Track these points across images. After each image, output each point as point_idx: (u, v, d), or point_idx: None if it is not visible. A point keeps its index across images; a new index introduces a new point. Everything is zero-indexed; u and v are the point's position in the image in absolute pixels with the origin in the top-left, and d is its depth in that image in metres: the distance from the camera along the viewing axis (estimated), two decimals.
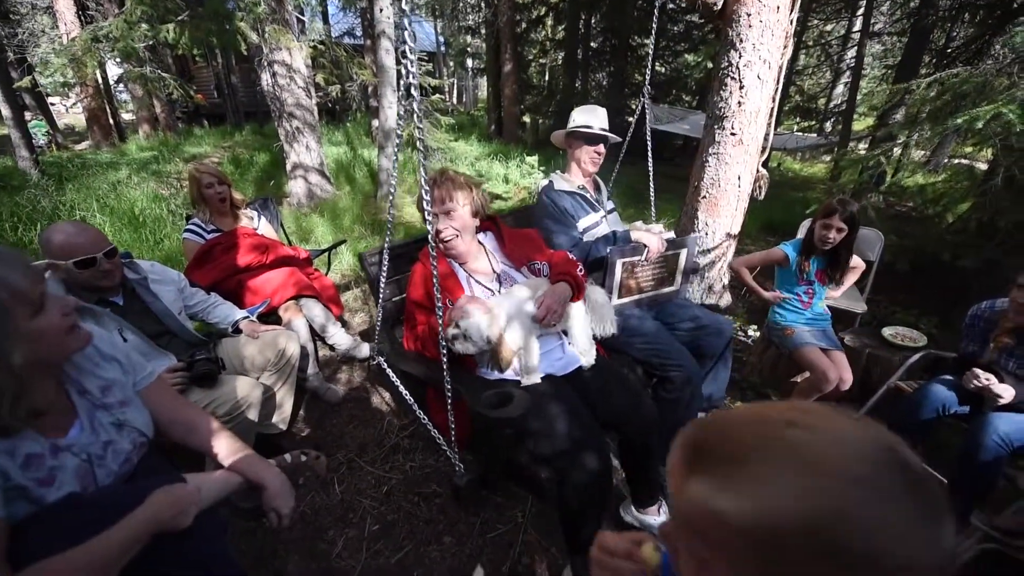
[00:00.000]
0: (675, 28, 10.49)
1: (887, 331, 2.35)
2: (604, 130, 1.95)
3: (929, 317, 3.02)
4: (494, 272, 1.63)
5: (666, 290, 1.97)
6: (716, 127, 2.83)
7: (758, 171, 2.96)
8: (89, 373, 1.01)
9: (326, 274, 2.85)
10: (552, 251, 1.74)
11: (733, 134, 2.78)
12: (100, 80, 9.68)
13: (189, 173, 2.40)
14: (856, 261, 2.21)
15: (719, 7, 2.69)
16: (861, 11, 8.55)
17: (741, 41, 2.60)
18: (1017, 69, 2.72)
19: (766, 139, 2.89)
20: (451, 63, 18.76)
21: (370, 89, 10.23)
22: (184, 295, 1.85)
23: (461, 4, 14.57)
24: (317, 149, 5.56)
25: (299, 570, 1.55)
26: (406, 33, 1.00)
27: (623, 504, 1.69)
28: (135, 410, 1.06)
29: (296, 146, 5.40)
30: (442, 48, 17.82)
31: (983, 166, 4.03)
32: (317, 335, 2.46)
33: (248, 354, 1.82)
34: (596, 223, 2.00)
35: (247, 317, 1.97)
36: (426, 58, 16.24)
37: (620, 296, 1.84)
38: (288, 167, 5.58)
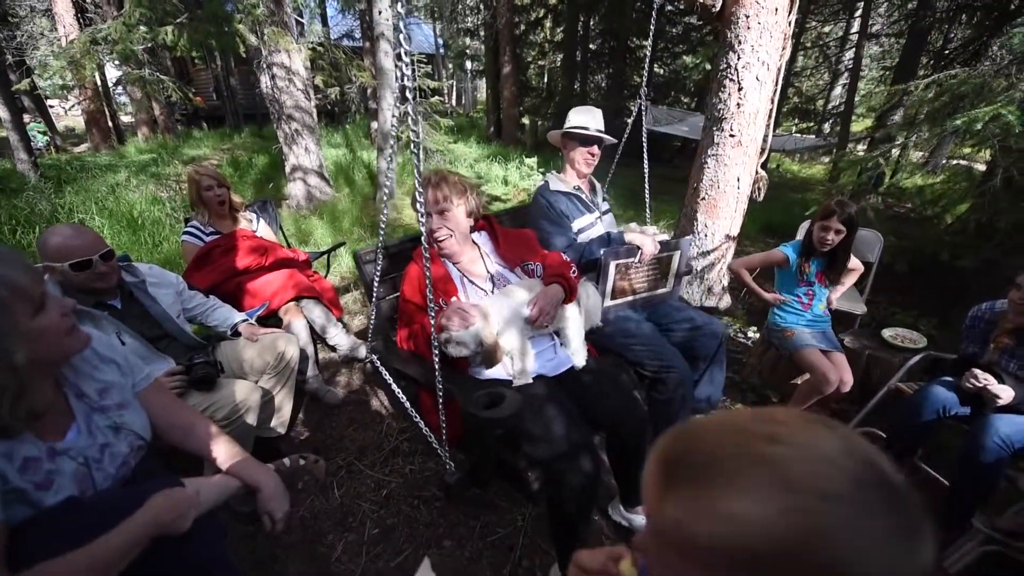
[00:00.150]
0: (673, 30, 10.51)
1: (887, 332, 2.35)
2: (599, 131, 1.95)
3: (928, 318, 3.02)
4: (488, 272, 1.64)
5: (659, 292, 1.98)
6: (715, 129, 2.84)
7: (757, 172, 2.96)
8: (87, 376, 1.01)
9: (325, 276, 2.84)
10: (546, 252, 1.75)
11: (732, 136, 2.79)
12: (99, 83, 9.67)
13: (188, 175, 2.40)
14: (854, 263, 2.21)
15: (717, 9, 2.70)
16: (859, 13, 8.59)
17: (740, 43, 2.61)
18: (1015, 70, 2.73)
19: (765, 140, 2.90)
20: (450, 65, 18.79)
21: (369, 91, 10.25)
22: (182, 298, 1.84)
23: (460, 6, 14.60)
24: (316, 151, 5.56)
25: (298, 574, 1.54)
26: (401, 36, 1.00)
27: (611, 503, 1.71)
28: (133, 413, 1.05)
29: (295, 148, 5.39)
30: (441, 50, 17.84)
31: (981, 167, 4.04)
32: (318, 336, 2.46)
33: (247, 357, 1.81)
34: (591, 224, 2.01)
35: (246, 320, 1.96)
36: (425, 60, 16.28)
37: (613, 297, 1.85)
38: (287, 169, 5.57)
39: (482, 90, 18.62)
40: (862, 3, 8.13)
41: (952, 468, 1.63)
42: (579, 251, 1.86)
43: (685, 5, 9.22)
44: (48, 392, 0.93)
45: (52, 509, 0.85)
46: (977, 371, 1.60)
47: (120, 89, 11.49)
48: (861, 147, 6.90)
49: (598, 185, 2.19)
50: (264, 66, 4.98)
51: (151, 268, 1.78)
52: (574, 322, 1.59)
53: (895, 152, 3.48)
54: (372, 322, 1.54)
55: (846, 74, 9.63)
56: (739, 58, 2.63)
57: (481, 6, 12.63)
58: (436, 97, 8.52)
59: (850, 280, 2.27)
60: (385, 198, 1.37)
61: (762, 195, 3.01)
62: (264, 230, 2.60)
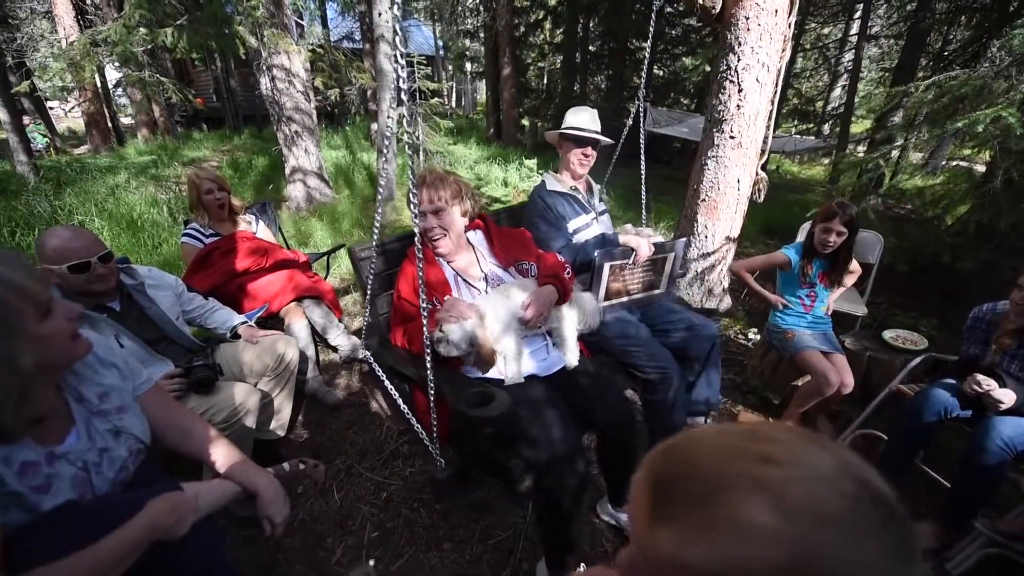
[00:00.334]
0: (673, 32, 10.53)
1: (888, 334, 2.35)
2: (594, 132, 1.95)
3: (929, 319, 3.02)
4: (482, 272, 1.64)
5: (653, 293, 1.98)
6: (715, 130, 2.84)
7: (757, 174, 2.96)
8: (87, 379, 1.00)
9: (325, 278, 2.84)
10: (541, 252, 1.75)
11: (732, 137, 2.78)
12: (99, 84, 9.67)
13: (189, 178, 2.40)
14: (853, 265, 2.20)
15: (717, 11, 2.70)
16: (858, 14, 8.60)
17: (739, 44, 2.61)
18: (1015, 72, 2.73)
19: (765, 142, 2.90)
20: (450, 67, 18.81)
21: (369, 93, 10.25)
22: (182, 300, 1.84)
23: (460, 8, 14.63)
24: (316, 153, 5.56)
25: None
26: (397, 39, 1.01)
27: (600, 501, 1.72)
28: (133, 417, 1.05)
29: (295, 150, 5.39)
30: (441, 52, 17.87)
31: (981, 168, 4.04)
32: (319, 336, 2.46)
33: (246, 360, 1.81)
34: (587, 224, 2.01)
35: (245, 322, 1.96)
36: (425, 62, 16.29)
37: (607, 298, 1.85)
38: (287, 171, 5.57)
39: (482, 92, 18.65)
40: (861, 4, 8.15)
41: (953, 470, 1.62)
42: (575, 251, 1.87)
43: (685, 7, 9.26)
44: (50, 396, 0.93)
45: (50, 514, 0.85)
46: (979, 376, 1.60)
47: (120, 91, 11.49)
48: (861, 148, 6.91)
49: (595, 186, 2.19)
50: (264, 68, 4.98)
51: (150, 270, 1.77)
52: (568, 322, 1.60)
53: (895, 153, 3.48)
54: (366, 319, 1.54)
55: (845, 75, 9.64)
56: (739, 60, 2.63)
57: (481, 8, 12.65)
58: (436, 99, 8.53)
59: (849, 281, 2.27)
60: (380, 197, 1.37)
61: (762, 197, 3.01)
62: (263, 232, 2.60)
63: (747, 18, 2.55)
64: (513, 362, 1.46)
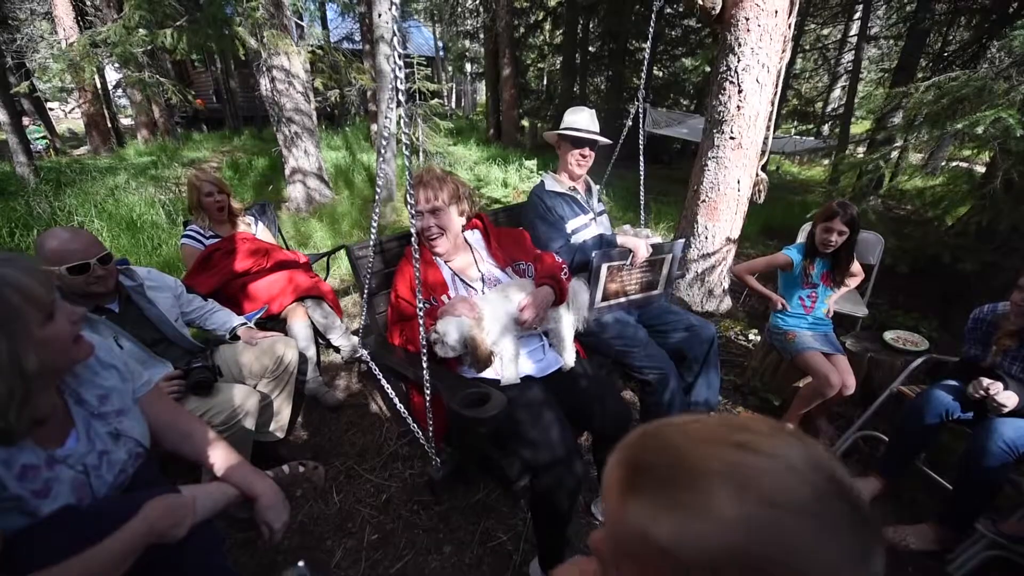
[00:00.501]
0: (673, 33, 10.54)
1: (888, 335, 2.34)
2: (592, 132, 1.94)
3: (929, 320, 3.01)
4: (480, 272, 1.64)
5: (651, 294, 1.98)
6: (715, 131, 2.84)
7: (757, 175, 2.96)
8: (88, 381, 1.00)
9: (324, 279, 2.84)
10: (539, 252, 1.75)
11: (732, 138, 2.78)
12: (99, 85, 9.68)
13: (189, 180, 2.39)
14: (856, 269, 2.20)
15: (717, 12, 2.70)
16: (858, 15, 8.60)
17: (740, 45, 2.61)
18: (1015, 73, 2.73)
19: (765, 143, 2.90)
20: (450, 67, 18.82)
21: (369, 94, 10.26)
22: (181, 301, 1.83)
23: (460, 9, 14.64)
24: (316, 154, 5.56)
25: None
26: (395, 40, 1.01)
27: (595, 501, 1.75)
28: (132, 420, 1.04)
29: (295, 151, 5.40)
30: (441, 53, 17.88)
31: (981, 169, 4.04)
32: (321, 336, 2.46)
33: (245, 361, 1.80)
34: (585, 225, 2.00)
35: (245, 323, 1.95)
36: (425, 63, 16.30)
37: (604, 299, 1.85)
38: (287, 172, 5.57)
39: (482, 92, 18.67)
40: (861, 5, 8.15)
41: (954, 472, 1.62)
42: (573, 252, 1.87)
43: (685, 7, 9.26)
44: (51, 399, 0.93)
45: (49, 517, 0.85)
46: (983, 379, 1.59)
47: (120, 92, 11.51)
48: (861, 149, 6.91)
49: (594, 186, 2.19)
50: (264, 69, 4.98)
51: (149, 272, 1.77)
52: (565, 323, 1.60)
53: (895, 154, 3.48)
54: (363, 317, 1.54)
55: (845, 76, 9.63)
56: (739, 60, 2.63)
57: (481, 9, 12.66)
58: (436, 100, 8.54)
59: (852, 283, 2.27)
60: (378, 197, 1.37)
61: (762, 197, 3.01)
62: (263, 233, 2.60)
63: (747, 19, 2.55)
64: (510, 363, 1.46)
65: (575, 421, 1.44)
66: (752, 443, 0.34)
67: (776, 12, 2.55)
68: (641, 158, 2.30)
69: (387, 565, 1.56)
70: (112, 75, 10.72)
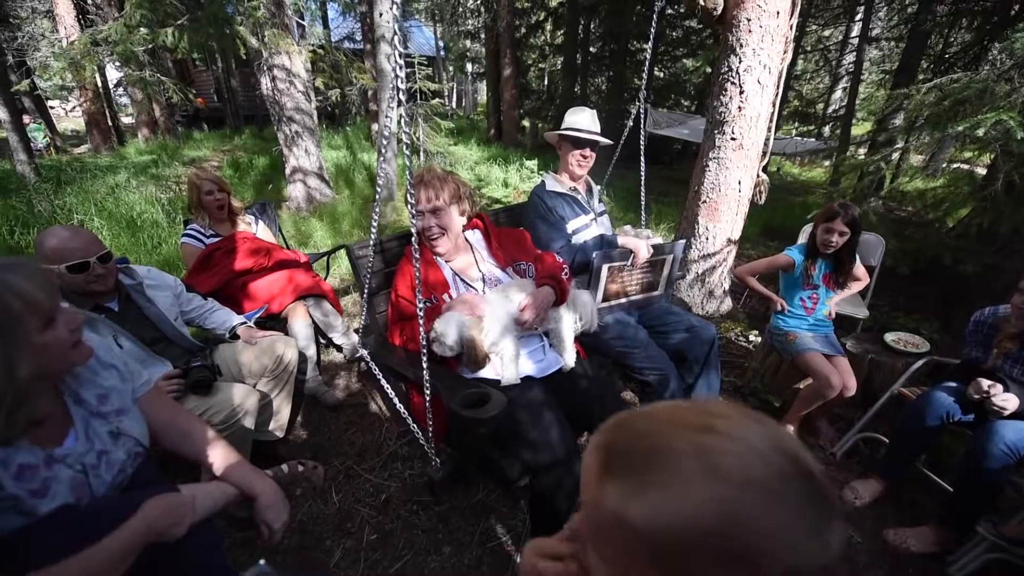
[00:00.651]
0: (674, 33, 10.53)
1: (889, 336, 2.34)
2: (592, 133, 1.94)
3: (930, 322, 3.01)
4: (480, 272, 1.64)
5: (652, 295, 1.98)
6: (716, 132, 2.83)
7: (758, 176, 2.96)
8: (87, 381, 1.00)
9: (325, 279, 2.83)
10: (539, 252, 1.75)
11: (733, 139, 2.78)
12: (99, 84, 9.68)
13: (189, 179, 2.39)
14: (861, 272, 2.19)
15: (719, 12, 2.70)
16: (859, 16, 8.59)
17: (741, 46, 2.60)
18: (1017, 75, 2.73)
19: (766, 144, 2.89)
20: (451, 67, 18.83)
21: (370, 93, 10.26)
22: (180, 300, 1.83)
23: (461, 9, 14.64)
24: (316, 153, 5.55)
25: None
26: (396, 39, 1.00)
27: None
28: (132, 419, 1.04)
29: (295, 150, 5.39)
30: (442, 53, 17.88)
31: (982, 170, 4.04)
32: (322, 335, 2.45)
33: (245, 360, 1.80)
34: (586, 225, 2.00)
35: (244, 323, 1.95)
36: (426, 62, 16.31)
37: (605, 300, 1.85)
38: (287, 171, 5.57)
39: (483, 92, 18.67)
40: (862, 7, 8.14)
41: (955, 474, 1.62)
42: (573, 252, 1.86)
43: (686, 8, 9.26)
44: (48, 400, 0.93)
45: (47, 517, 0.84)
46: (983, 380, 1.59)
47: (121, 90, 11.51)
48: (862, 150, 6.91)
49: (595, 187, 2.18)
50: (265, 68, 4.98)
51: (149, 270, 1.76)
52: (566, 323, 1.60)
53: (896, 156, 3.48)
54: (363, 317, 1.53)
55: (846, 77, 9.63)
56: (740, 61, 2.63)
57: (482, 9, 12.66)
58: (436, 99, 8.53)
59: (856, 287, 2.26)
60: (378, 197, 1.37)
61: (763, 198, 3.00)
62: (263, 232, 2.59)
63: (748, 20, 2.55)
64: (511, 364, 1.45)
65: (575, 422, 1.43)
66: (716, 425, 0.36)
67: (778, 13, 2.55)
68: (642, 159, 2.30)
69: (386, 565, 1.56)
70: (113, 73, 10.73)
